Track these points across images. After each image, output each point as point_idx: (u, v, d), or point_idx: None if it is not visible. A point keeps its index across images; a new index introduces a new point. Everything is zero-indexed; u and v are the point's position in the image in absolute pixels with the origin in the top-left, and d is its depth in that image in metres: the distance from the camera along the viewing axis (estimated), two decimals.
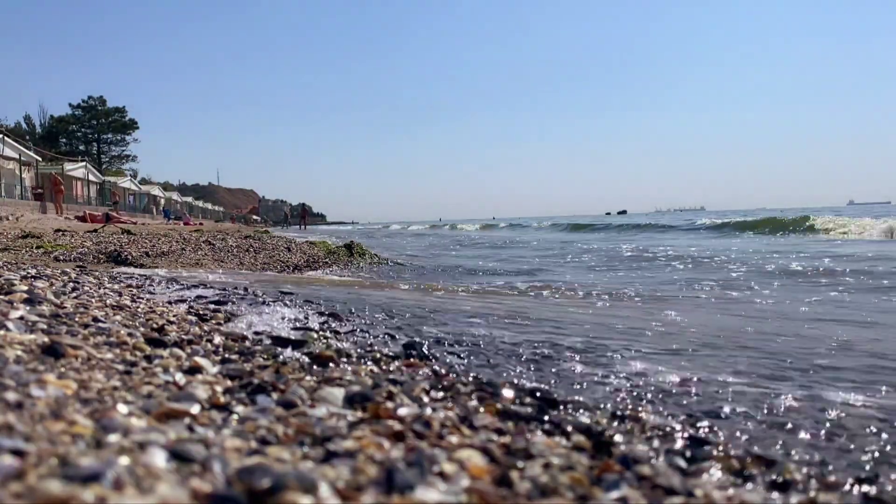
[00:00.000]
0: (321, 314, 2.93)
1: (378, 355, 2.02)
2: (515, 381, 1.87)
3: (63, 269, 4.38)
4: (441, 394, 1.63)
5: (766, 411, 1.68)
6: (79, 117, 70.63)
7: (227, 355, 1.85)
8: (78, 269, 4.96)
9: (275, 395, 1.44)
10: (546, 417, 1.50)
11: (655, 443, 1.42)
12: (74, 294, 2.73)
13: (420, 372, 1.87)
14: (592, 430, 1.44)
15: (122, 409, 1.17)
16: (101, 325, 1.99)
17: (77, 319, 2.02)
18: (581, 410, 1.61)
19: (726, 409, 1.68)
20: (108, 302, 2.63)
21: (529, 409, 1.55)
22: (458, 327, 2.84)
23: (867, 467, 1.34)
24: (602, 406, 1.66)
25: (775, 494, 1.19)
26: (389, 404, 1.42)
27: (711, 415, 1.64)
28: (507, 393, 1.69)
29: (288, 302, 3.33)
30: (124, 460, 0.91)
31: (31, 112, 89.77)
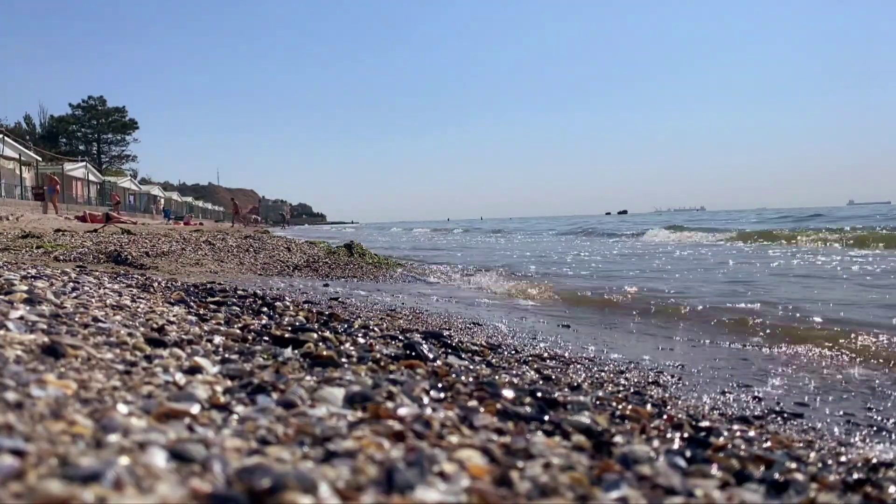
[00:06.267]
0: (321, 314, 2.93)
1: (378, 355, 2.02)
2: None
3: (63, 269, 4.38)
4: (441, 394, 1.63)
5: None
6: (79, 117, 70.62)
7: (227, 355, 1.84)
8: (78, 269, 4.96)
9: (275, 395, 1.43)
10: (546, 417, 1.50)
11: (655, 443, 1.42)
12: (74, 294, 2.73)
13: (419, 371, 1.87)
14: (592, 430, 1.44)
15: (122, 409, 1.17)
16: (101, 325, 1.99)
17: (77, 319, 2.02)
18: (581, 410, 1.61)
19: None
20: (108, 302, 2.63)
21: (529, 409, 1.55)
22: None
23: None
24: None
25: (775, 495, 1.19)
26: (389, 404, 1.42)
27: None
28: (508, 393, 1.69)
29: None
30: (124, 460, 0.91)
31: (31, 112, 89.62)
